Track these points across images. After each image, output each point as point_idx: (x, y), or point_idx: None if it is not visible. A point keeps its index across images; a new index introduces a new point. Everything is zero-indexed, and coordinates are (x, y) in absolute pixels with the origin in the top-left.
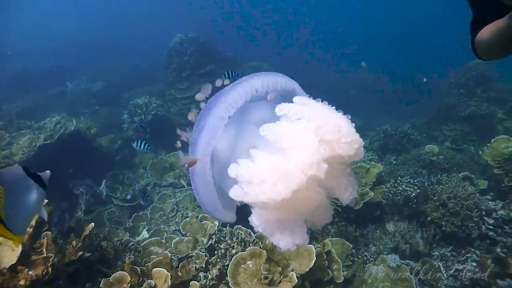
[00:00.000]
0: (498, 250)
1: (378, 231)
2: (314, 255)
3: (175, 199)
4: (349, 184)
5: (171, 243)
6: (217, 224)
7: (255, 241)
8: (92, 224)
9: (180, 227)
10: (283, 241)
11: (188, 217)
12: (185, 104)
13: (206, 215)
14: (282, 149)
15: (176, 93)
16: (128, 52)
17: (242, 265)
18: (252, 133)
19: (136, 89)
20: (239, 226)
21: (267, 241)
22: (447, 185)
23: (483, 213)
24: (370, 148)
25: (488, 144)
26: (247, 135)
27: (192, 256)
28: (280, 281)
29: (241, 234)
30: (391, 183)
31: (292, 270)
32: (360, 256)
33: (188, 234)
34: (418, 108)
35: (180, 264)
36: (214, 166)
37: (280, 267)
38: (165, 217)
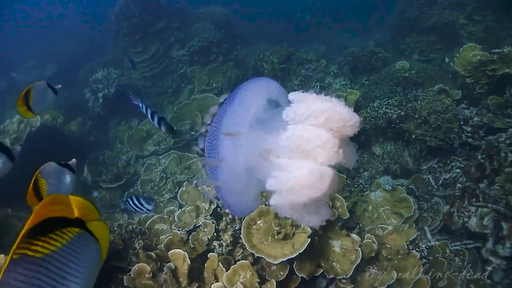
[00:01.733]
0: (479, 157)
1: (365, 156)
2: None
3: (161, 167)
4: (352, 151)
5: (174, 216)
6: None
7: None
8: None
9: (178, 198)
10: (313, 222)
11: (178, 182)
12: (145, 67)
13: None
14: (304, 151)
15: (134, 58)
16: (69, 26)
17: (254, 226)
18: (265, 140)
19: (90, 63)
20: None
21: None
22: (425, 101)
23: (461, 122)
24: (341, 73)
25: (457, 55)
26: (259, 143)
27: (200, 225)
28: (293, 233)
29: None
30: (371, 107)
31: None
32: (356, 185)
33: (187, 203)
34: (378, 24)
35: (191, 237)
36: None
37: (290, 220)
38: (156, 188)
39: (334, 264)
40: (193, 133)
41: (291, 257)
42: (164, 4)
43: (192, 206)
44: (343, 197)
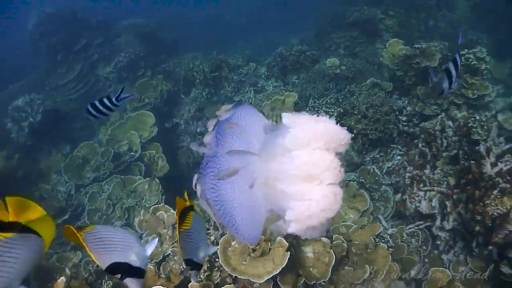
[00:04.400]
0: (420, 145)
1: None
2: None
3: (105, 194)
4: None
5: None
6: (174, 212)
7: None
8: (62, 278)
9: (137, 227)
10: (315, 235)
11: (127, 208)
12: (70, 88)
13: (157, 205)
14: (312, 176)
15: (58, 80)
16: None
17: (229, 248)
18: (270, 169)
19: (6, 91)
20: (196, 202)
21: None
22: (362, 97)
23: (397, 113)
24: (272, 74)
25: (384, 49)
26: (263, 171)
27: (169, 254)
28: (270, 249)
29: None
30: (310, 107)
31: (271, 233)
32: None
33: (147, 232)
34: (300, 22)
35: (161, 268)
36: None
37: (263, 236)
38: (105, 217)
39: (311, 269)
40: (132, 153)
41: (275, 273)
42: (84, 19)
43: (154, 235)
44: None
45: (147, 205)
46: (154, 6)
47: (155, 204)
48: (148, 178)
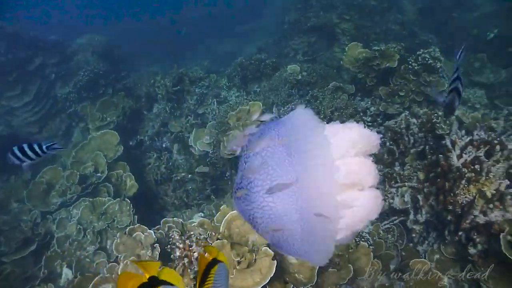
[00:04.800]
0: (387, 144)
1: None
2: None
3: (74, 219)
4: None
5: (115, 272)
6: (152, 232)
7: (208, 233)
8: None
9: (114, 251)
10: (353, 237)
11: (99, 231)
12: (27, 111)
13: (133, 226)
14: (356, 182)
15: (12, 102)
16: None
17: None
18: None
19: None
20: (171, 219)
21: (221, 229)
22: (326, 101)
23: (361, 114)
24: (233, 85)
25: (344, 53)
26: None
27: None
28: (255, 259)
29: (189, 232)
30: (275, 114)
31: (254, 244)
32: None
33: (125, 255)
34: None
35: None
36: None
37: (246, 247)
38: (76, 243)
39: (297, 275)
40: (99, 174)
41: (264, 283)
42: (38, 37)
43: (133, 257)
44: None
45: (119, 226)
46: (106, 22)
47: (127, 225)
48: (118, 199)
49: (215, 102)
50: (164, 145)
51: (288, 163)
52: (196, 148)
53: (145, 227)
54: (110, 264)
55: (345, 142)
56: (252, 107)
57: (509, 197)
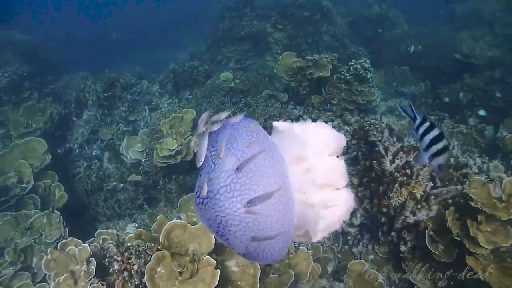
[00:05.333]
0: None
1: None
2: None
3: None
4: None
5: None
6: (86, 245)
7: (147, 244)
8: None
9: (43, 268)
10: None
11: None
12: None
13: (66, 240)
14: (330, 183)
15: None
16: None
17: (156, 275)
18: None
19: None
20: (105, 231)
21: (161, 239)
22: (259, 109)
23: (295, 121)
24: (166, 91)
25: (278, 62)
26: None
27: None
28: (197, 269)
29: (126, 244)
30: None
31: (195, 253)
32: None
33: (57, 272)
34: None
35: None
36: None
37: (187, 257)
38: None
39: (239, 283)
40: (24, 185)
41: None
42: None
43: (67, 274)
44: None
45: (48, 241)
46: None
47: (58, 239)
48: (46, 211)
49: (147, 109)
50: (94, 153)
51: (269, 166)
52: (128, 156)
53: (79, 241)
54: (38, 285)
55: (320, 142)
56: (185, 114)
57: (432, 197)
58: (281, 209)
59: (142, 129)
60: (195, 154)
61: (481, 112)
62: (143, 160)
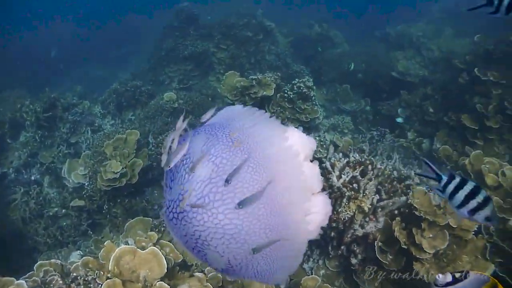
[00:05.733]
0: None
1: (156, 192)
2: (161, 254)
3: None
4: None
5: None
6: (22, 282)
7: (96, 273)
8: None
9: None
10: None
11: None
12: None
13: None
14: (308, 188)
15: None
16: None
17: None
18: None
19: None
20: (47, 262)
21: (110, 267)
22: None
23: None
24: (108, 112)
25: (222, 81)
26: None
27: None
28: None
29: (73, 274)
30: (152, 143)
31: (146, 279)
32: (160, 226)
33: None
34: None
35: None
36: None
37: (139, 283)
38: None
39: None
40: None
41: None
42: None
43: None
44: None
45: None
46: None
47: None
48: None
49: (89, 131)
50: (33, 178)
51: (252, 171)
52: (71, 180)
53: (10, 279)
54: None
55: (296, 146)
56: (129, 136)
57: (379, 209)
58: (266, 216)
59: (84, 151)
60: (162, 156)
61: (399, 119)
62: (86, 184)
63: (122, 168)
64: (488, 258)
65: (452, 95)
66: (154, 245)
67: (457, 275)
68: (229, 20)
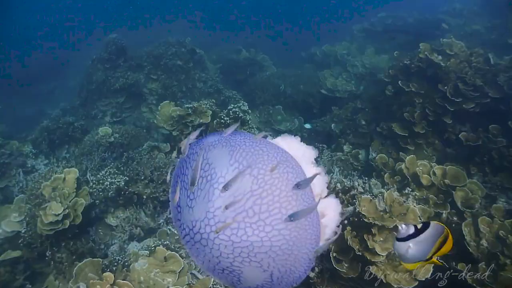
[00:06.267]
0: None
1: (101, 230)
2: None
3: None
4: None
5: None
6: None
7: None
8: None
9: None
10: None
11: None
12: None
13: None
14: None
15: None
16: None
17: None
18: None
19: None
20: None
21: None
22: (143, 161)
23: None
24: (40, 151)
25: (158, 112)
26: None
27: None
28: None
29: None
30: (94, 181)
31: None
32: (115, 264)
33: None
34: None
35: None
36: None
37: None
38: None
39: None
40: None
41: None
42: None
43: None
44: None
45: None
46: None
47: None
48: None
49: (21, 173)
50: None
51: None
52: (1, 230)
53: None
54: None
55: (300, 155)
56: (67, 174)
57: None
58: (309, 225)
59: (17, 195)
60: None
61: (307, 125)
62: (23, 231)
63: (64, 209)
64: None
65: (381, 106)
66: (112, 286)
67: (419, 226)
68: (158, 49)
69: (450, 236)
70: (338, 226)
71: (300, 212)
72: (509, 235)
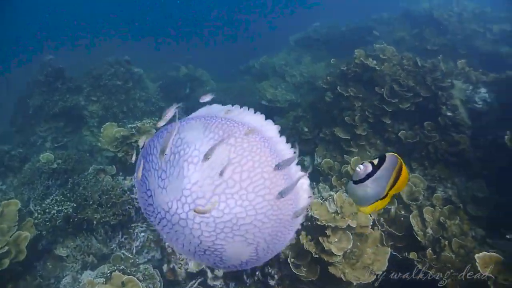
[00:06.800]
0: None
1: (49, 264)
2: None
3: None
4: None
5: None
6: None
7: None
8: None
9: None
10: None
11: None
12: None
13: None
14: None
15: None
16: None
17: None
18: None
19: None
20: None
21: None
22: (89, 186)
23: (128, 192)
24: None
25: (101, 134)
26: None
27: None
28: None
29: None
30: (39, 211)
31: None
32: None
33: None
34: None
35: None
36: None
37: None
38: None
39: None
40: None
41: None
42: None
43: None
44: None
45: None
46: None
47: None
48: None
49: None
50: None
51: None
52: None
53: None
54: None
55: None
56: (6, 207)
57: None
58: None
59: None
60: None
61: None
62: None
63: (2, 247)
64: (385, 243)
65: (322, 112)
66: None
67: (375, 161)
68: (97, 70)
69: (404, 166)
70: (310, 197)
71: (289, 187)
72: (447, 220)
